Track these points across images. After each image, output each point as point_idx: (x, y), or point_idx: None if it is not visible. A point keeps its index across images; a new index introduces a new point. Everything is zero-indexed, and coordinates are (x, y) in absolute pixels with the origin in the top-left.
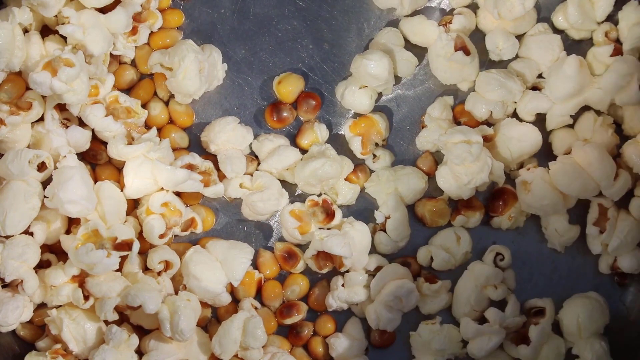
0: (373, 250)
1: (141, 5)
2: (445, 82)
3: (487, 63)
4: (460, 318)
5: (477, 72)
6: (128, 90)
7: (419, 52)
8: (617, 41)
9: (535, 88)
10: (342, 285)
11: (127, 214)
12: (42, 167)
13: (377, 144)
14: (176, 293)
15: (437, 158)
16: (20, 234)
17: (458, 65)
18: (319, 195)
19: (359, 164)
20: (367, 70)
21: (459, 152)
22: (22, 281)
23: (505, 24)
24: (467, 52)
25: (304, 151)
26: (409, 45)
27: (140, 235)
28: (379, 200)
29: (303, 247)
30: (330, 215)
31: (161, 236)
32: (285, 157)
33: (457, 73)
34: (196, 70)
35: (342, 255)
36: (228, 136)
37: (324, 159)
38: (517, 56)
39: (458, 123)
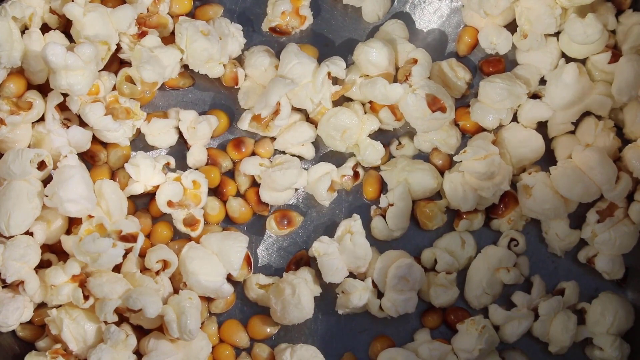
0: (368, 233)
1: (147, 9)
2: (429, 131)
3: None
4: (472, 301)
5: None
6: None
7: (422, 44)
8: (615, 48)
9: (535, 96)
10: (342, 292)
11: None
12: (41, 166)
13: None
14: (176, 292)
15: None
16: (21, 234)
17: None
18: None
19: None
20: (367, 58)
21: (486, 168)
22: (23, 282)
23: (493, 18)
24: (443, 109)
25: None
26: (412, 39)
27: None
28: (390, 185)
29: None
30: (355, 176)
31: (169, 204)
32: (301, 133)
33: (437, 123)
34: (197, 33)
35: (329, 281)
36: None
37: (338, 107)
38: (517, 63)
39: (457, 125)
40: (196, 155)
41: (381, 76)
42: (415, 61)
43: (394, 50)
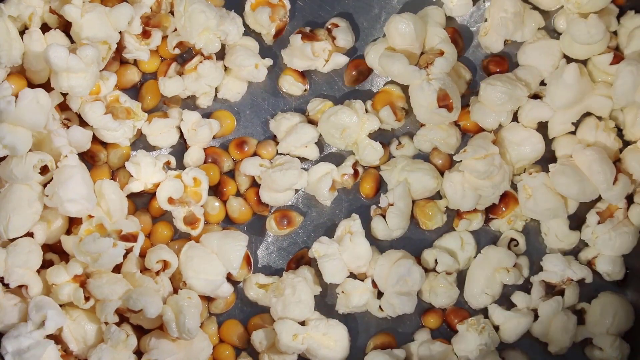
0: (367, 233)
1: (150, 8)
2: (428, 123)
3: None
4: (472, 301)
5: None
6: (129, 89)
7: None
8: (616, 49)
9: (536, 96)
10: (342, 292)
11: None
12: (44, 170)
13: (404, 109)
14: (176, 292)
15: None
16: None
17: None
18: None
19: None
20: (397, 27)
21: (486, 167)
22: (26, 286)
23: None
24: (450, 109)
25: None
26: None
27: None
28: (390, 185)
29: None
30: (355, 174)
31: (170, 201)
32: (303, 135)
33: (439, 118)
34: None
35: (329, 282)
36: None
37: (339, 106)
38: (518, 64)
39: (457, 125)
40: (193, 156)
41: (404, 53)
42: (441, 53)
43: (425, 31)
